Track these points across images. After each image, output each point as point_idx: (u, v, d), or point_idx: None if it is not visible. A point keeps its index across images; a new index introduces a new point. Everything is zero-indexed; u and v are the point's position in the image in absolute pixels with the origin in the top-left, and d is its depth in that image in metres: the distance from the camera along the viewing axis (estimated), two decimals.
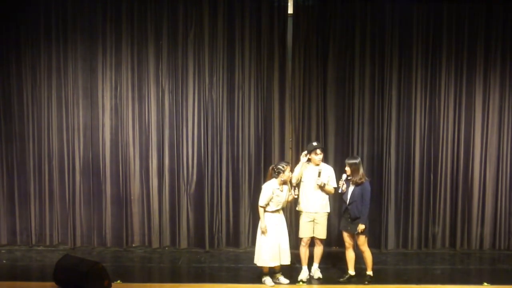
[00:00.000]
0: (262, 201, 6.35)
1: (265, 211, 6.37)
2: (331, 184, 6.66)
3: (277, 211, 6.40)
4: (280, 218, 6.45)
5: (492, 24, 7.93)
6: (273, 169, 6.42)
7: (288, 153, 8.05)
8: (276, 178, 6.36)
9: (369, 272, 6.60)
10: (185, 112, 7.99)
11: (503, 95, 8.04)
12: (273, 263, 6.38)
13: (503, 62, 7.99)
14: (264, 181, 6.65)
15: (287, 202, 6.57)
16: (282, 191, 6.38)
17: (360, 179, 6.42)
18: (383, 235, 8.02)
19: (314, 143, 6.71)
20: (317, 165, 6.64)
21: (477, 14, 7.93)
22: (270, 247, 6.32)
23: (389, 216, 8.03)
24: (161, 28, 7.89)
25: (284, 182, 6.40)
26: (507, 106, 8.04)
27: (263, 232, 6.33)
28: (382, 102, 8.00)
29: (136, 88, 7.96)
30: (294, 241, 7.21)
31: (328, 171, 6.70)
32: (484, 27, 7.94)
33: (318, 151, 6.63)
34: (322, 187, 6.57)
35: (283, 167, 6.36)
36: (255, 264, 6.51)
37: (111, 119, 7.99)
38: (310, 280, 6.71)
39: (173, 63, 7.94)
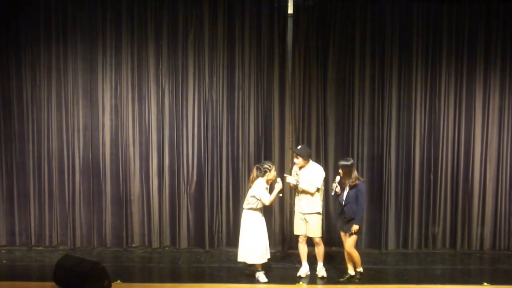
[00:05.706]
0: (267, 198, 6.35)
1: (250, 208, 6.44)
2: (314, 184, 6.55)
3: (259, 209, 6.48)
4: (262, 216, 6.56)
5: (492, 24, 7.94)
6: (258, 168, 6.48)
7: (288, 153, 8.04)
8: (262, 177, 6.43)
9: (359, 269, 6.59)
10: (185, 112, 7.99)
11: (503, 95, 8.05)
12: (263, 259, 6.52)
13: (503, 62, 8.01)
14: (251, 181, 6.58)
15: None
16: (267, 190, 6.47)
17: (353, 181, 6.39)
18: (383, 235, 8.01)
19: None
20: (300, 167, 6.64)
21: (477, 14, 7.94)
22: (261, 244, 6.46)
23: (389, 216, 8.02)
24: (161, 28, 7.90)
25: (268, 181, 6.47)
26: (507, 106, 8.05)
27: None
28: (382, 102, 8.01)
29: (136, 88, 7.96)
30: (295, 241, 7.21)
31: (312, 172, 6.62)
32: (484, 27, 7.95)
33: (295, 155, 6.67)
34: (296, 187, 6.60)
35: (269, 166, 6.46)
36: (244, 263, 6.59)
37: (111, 119, 7.98)
38: (310, 277, 6.71)
39: (173, 63, 7.94)
